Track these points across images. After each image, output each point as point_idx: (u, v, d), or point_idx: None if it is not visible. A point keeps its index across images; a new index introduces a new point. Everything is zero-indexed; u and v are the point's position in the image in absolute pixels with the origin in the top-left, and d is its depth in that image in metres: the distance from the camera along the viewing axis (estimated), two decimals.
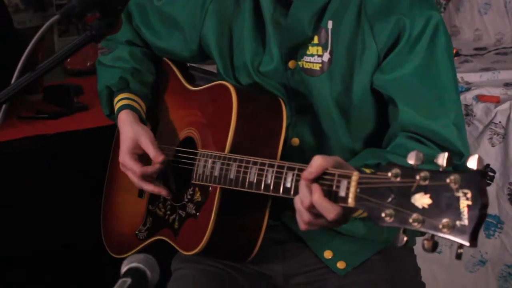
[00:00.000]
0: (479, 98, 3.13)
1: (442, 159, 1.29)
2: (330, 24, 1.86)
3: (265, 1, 1.93)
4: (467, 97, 3.15)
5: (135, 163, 2.01)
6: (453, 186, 1.26)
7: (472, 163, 1.26)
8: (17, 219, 3.06)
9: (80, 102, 3.35)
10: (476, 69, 3.55)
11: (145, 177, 2.00)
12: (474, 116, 3.12)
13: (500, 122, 3.04)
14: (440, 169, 1.29)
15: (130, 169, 2.02)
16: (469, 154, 1.80)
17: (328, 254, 1.96)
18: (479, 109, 3.11)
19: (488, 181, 3.06)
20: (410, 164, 1.33)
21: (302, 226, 1.59)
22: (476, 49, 4.03)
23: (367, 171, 1.61)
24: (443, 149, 1.78)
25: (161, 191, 2.00)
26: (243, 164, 1.78)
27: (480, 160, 1.26)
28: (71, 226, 3.13)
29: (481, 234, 3.04)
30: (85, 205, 2.69)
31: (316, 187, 1.50)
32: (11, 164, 3.02)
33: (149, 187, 2.01)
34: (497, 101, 3.10)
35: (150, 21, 2.17)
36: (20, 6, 4.10)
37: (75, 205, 3.11)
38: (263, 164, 1.74)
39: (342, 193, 1.47)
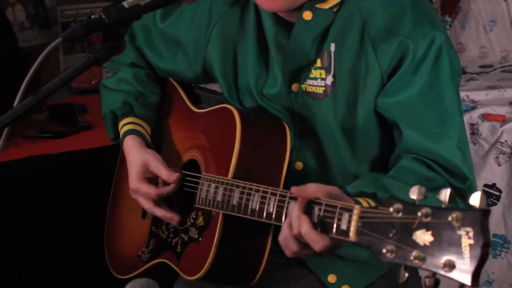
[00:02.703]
0: (485, 117, 3.13)
1: (445, 196, 1.28)
2: (332, 47, 1.85)
3: (268, 23, 1.92)
4: (472, 116, 3.14)
5: (148, 186, 2.00)
6: (455, 224, 1.25)
7: (474, 200, 1.25)
8: (20, 238, 3.05)
9: (85, 120, 3.35)
10: (482, 87, 3.54)
11: (159, 201, 1.99)
12: (480, 135, 3.11)
13: (506, 141, 3.04)
14: (443, 206, 1.28)
15: (144, 193, 2.00)
16: (474, 178, 1.81)
17: (332, 279, 1.94)
18: (485, 128, 3.10)
19: (494, 201, 3.04)
20: (412, 199, 1.33)
21: (287, 253, 1.61)
22: (482, 66, 4.03)
23: (363, 202, 1.62)
24: (447, 172, 1.77)
25: (173, 217, 1.98)
26: (246, 191, 1.77)
27: (482, 198, 1.25)
28: (75, 245, 3.12)
29: None
30: (89, 225, 2.68)
31: (304, 218, 1.53)
32: (16, 183, 3.01)
33: (161, 213, 1.99)
34: (503, 120, 3.09)
35: (154, 42, 2.16)
36: (25, 24, 4.12)
37: (79, 225, 3.11)
38: (265, 192, 1.73)
39: (343, 226, 1.47)
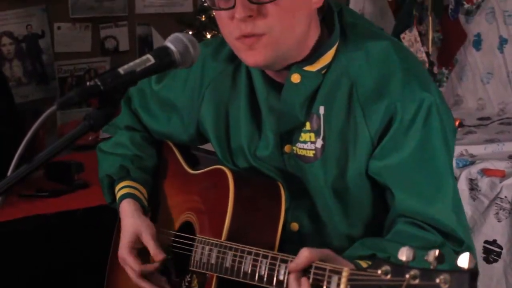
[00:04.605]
0: (484, 172, 3.12)
1: (433, 257, 1.28)
2: (322, 110, 1.83)
3: (259, 85, 1.91)
4: (472, 171, 3.13)
5: (134, 260, 2.00)
6: (443, 286, 1.25)
7: (463, 261, 1.25)
8: None
9: (81, 178, 3.35)
10: (480, 141, 3.55)
11: (143, 275, 1.99)
12: (480, 190, 3.10)
13: (506, 197, 3.02)
14: (431, 267, 1.28)
15: (129, 266, 2.01)
16: (470, 240, 1.79)
17: None
18: (484, 183, 3.09)
19: (495, 258, 3.02)
20: (402, 261, 1.32)
21: None
22: (480, 118, 4.04)
23: (363, 264, 1.60)
24: (443, 235, 1.75)
25: None
26: (238, 254, 1.76)
27: (471, 259, 1.24)
28: None
29: None
30: (87, 286, 2.65)
31: (304, 281, 1.52)
32: (11, 244, 2.99)
33: (147, 286, 1.99)
34: (503, 175, 3.09)
35: (149, 105, 2.16)
36: (23, 79, 4.14)
37: (76, 286, 3.07)
38: (257, 255, 1.72)
39: None
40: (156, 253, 1.97)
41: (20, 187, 3.21)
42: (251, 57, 1.77)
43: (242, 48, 1.78)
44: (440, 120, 1.78)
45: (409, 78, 1.78)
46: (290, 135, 1.88)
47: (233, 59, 1.93)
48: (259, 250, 1.72)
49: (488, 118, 4.02)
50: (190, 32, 3.98)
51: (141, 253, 2.01)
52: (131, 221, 2.04)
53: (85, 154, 3.61)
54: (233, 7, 1.72)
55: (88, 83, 1.53)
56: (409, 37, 4.26)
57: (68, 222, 3.10)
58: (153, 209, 2.15)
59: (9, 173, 1.54)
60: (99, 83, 1.52)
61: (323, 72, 1.83)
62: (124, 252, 2.01)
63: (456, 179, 3.09)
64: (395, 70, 1.79)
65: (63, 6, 4.20)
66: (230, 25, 1.76)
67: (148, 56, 1.60)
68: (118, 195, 2.11)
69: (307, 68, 1.82)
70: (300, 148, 1.87)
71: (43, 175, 3.41)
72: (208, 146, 2.15)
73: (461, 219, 1.79)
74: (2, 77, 3.51)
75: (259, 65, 1.81)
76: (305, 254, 1.55)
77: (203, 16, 3.92)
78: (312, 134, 1.85)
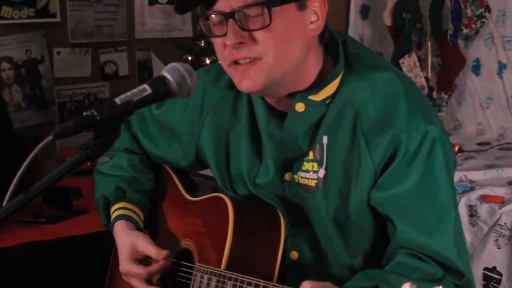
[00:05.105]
0: (484, 198, 3.11)
1: None
2: (325, 139, 1.83)
3: (260, 112, 1.91)
4: (471, 198, 3.13)
5: (138, 266, 1.98)
6: None
7: None
8: None
9: (80, 204, 3.32)
10: (480, 166, 3.54)
11: (150, 281, 1.96)
12: (479, 217, 3.09)
13: (505, 223, 3.01)
14: None
15: (135, 274, 1.98)
16: (470, 274, 1.78)
17: None
18: (483, 210, 3.08)
19: (495, 285, 3.00)
20: None
21: None
22: (479, 144, 4.04)
23: None
24: (443, 268, 1.74)
25: None
26: (238, 284, 1.75)
27: None
28: None
29: None
30: None
31: None
32: (9, 270, 2.96)
33: None
34: (502, 202, 3.08)
35: (149, 129, 2.16)
36: (22, 104, 4.13)
37: None
38: (257, 286, 1.71)
39: None
40: (158, 253, 1.94)
41: (18, 213, 3.19)
42: (244, 83, 1.77)
43: (236, 74, 1.78)
44: (443, 153, 1.78)
45: (413, 110, 1.78)
46: (291, 163, 1.88)
47: (234, 85, 1.94)
48: (259, 281, 1.71)
49: (487, 143, 4.02)
50: (190, 58, 3.99)
51: (144, 264, 1.99)
52: (124, 238, 2.02)
53: (84, 180, 3.58)
54: (225, 34, 1.73)
55: (84, 113, 1.53)
56: (408, 62, 4.27)
57: (67, 248, 3.07)
58: (150, 234, 2.14)
59: (4, 202, 1.53)
60: (95, 113, 1.52)
61: (327, 102, 1.83)
62: (126, 264, 1.99)
63: None
64: (400, 101, 1.78)
65: (63, 31, 4.20)
66: (224, 52, 1.76)
67: (145, 86, 1.61)
68: (113, 216, 2.09)
69: (311, 97, 1.82)
70: (302, 177, 1.86)
71: (42, 200, 3.39)
72: (207, 172, 2.14)
73: (462, 252, 1.78)
74: (1, 102, 3.50)
75: (253, 91, 1.80)
76: (306, 285, 1.54)
77: (202, 42, 3.93)
78: (315, 164, 1.85)
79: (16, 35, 4.04)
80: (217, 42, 1.78)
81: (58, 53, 4.21)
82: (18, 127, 3.97)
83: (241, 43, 1.72)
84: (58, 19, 4.17)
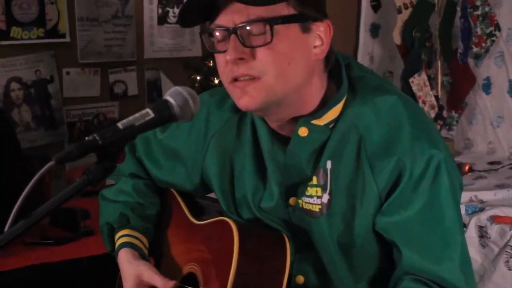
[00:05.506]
0: (494, 219, 3.09)
1: None
2: (329, 164, 1.81)
3: (264, 136, 1.89)
4: (481, 218, 3.11)
5: None
6: None
7: None
8: None
9: (87, 225, 3.31)
10: (490, 186, 3.52)
11: None
12: (489, 238, 3.07)
13: None
14: None
15: None
16: None
17: None
18: (493, 230, 3.06)
19: None
20: None
21: None
22: (490, 163, 4.02)
23: None
24: None
25: None
26: None
27: None
28: None
29: None
30: None
31: None
32: None
33: None
34: None
35: (153, 153, 2.15)
36: (31, 124, 4.14)
37: None
38: None
39: None
40: (165, 283, 1.92)
41: (24, 236, 3.19)
42: (243, 100, 1.76)
43: (235, 92, 1.77)
44: (448, 177, 1.76)
45: (418, 134, 1.76)
46: (295, 188, 1.86)
47: (239, 108, 1.93)
48: None
49: (498, 162, 4.00)
50: (198, 77, 3.99)
51: None
52: (129, 267, 2.01)
53: (91, 200, 3.56)
54: (226, 51, 1.72)
55: (87, 138, 1.53)
56: (418, 81, 4.26)
57: (73, 271, 3.07)
58: (156, 258, 2.13)
59: (6, 227, 1.53)
60: (97, 138, 1.52)
61: (330, 126, 1.81)
62: None
63: (465, 226, 3.07)
64: (404, 125, 1.77)
65: (72, 51, 4.21)
66: (225, 69, 1.75)
67: (148, 110, 1.60)
68: (117, 243, 2.08)
69: (314, 121, 1.80)
70: (306, 202, 1.85)
71: (49, 222, 3.38)
72: (214, 195, 2.13)
73: (469, 278, 1.76)
74: (9, 124, 3.50)
75: (251, 108, 1.78)
76: None
77: (211, 61, 3.92)
78: (319, 189, 1.83)
79: (25, 56, 4.05)
80: (219, 59, 1.77)
81: (68, 73, 4.22)
82: (27, 147, 3.98)
83: (241, 59, 1.71)
84: (67, 39, 4.18)
